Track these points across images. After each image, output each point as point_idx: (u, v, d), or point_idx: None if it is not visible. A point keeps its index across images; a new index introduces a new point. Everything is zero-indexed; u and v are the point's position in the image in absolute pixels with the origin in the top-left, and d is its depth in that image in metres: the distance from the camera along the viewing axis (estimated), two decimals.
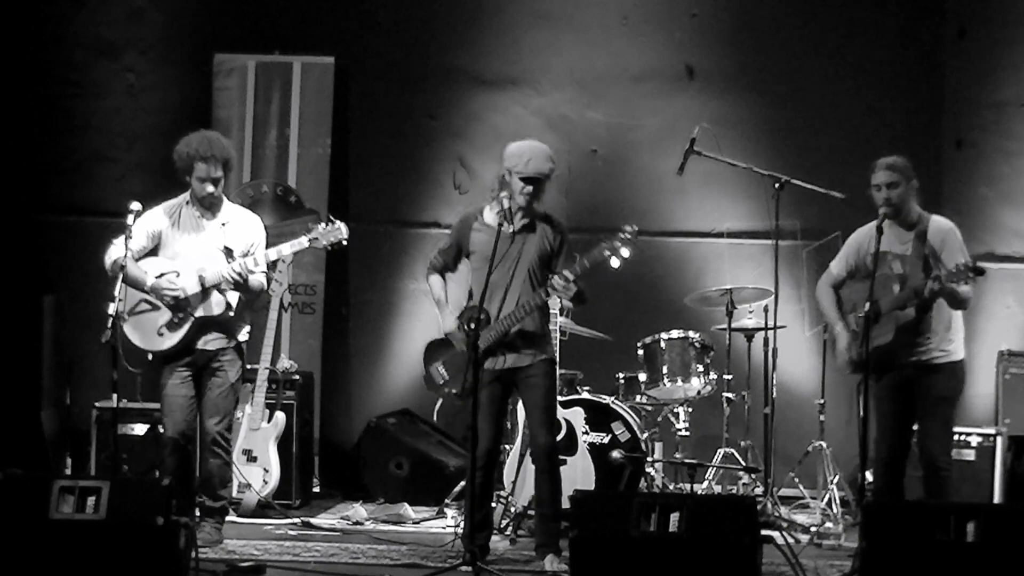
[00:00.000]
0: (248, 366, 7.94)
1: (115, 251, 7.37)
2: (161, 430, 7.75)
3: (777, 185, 8.47)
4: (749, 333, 8.92)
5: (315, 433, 9.54)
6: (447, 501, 8.73)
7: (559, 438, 8.21)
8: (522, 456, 8.07)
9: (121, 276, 7.12)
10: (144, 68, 10.05)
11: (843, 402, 8.97)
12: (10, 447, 9.14)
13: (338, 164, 9.93)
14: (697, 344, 8.78)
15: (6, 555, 6.14)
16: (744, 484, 8.80)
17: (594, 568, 6.18)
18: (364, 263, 10.00)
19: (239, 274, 7.36)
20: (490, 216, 7.26)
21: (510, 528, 8.00)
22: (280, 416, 8.81)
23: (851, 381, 7.97)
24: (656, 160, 9.58)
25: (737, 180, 9.26)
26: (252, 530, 8.07)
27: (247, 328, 7.61)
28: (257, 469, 8.64)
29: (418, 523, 8.48)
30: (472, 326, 7.07)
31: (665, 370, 8.74)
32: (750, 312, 8.91)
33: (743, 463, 8.76)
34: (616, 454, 8.38)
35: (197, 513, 7.54)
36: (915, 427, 7.31)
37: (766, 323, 8.71)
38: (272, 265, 7.95)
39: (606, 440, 8.44)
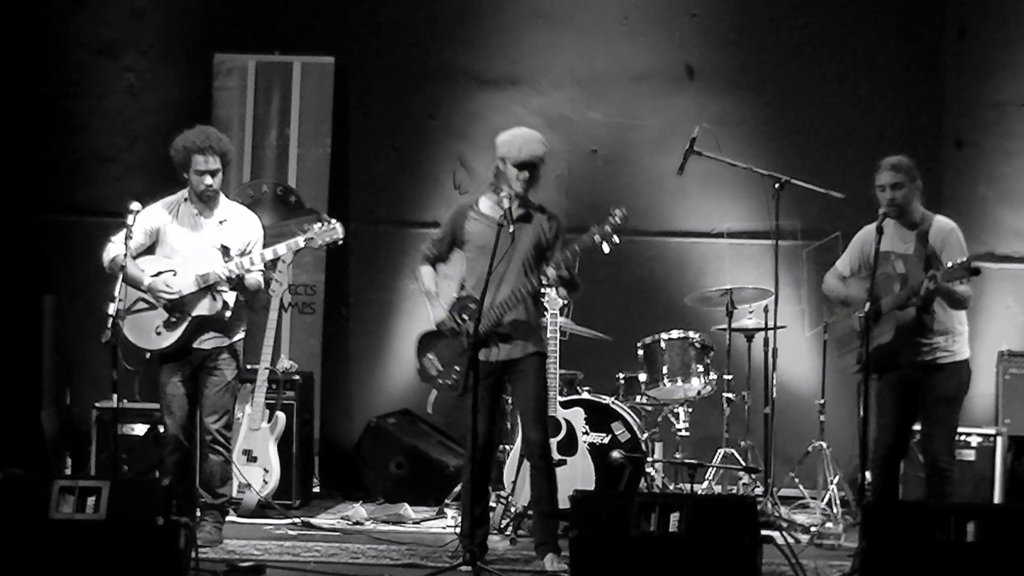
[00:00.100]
0: (248, 366, 7.95)
1: (113, 249, 7.37)
2: (161, 430, 7.76)
3: (777, 185, 8.47)
4: (749, 333, 8.92)
5: (315, 433, 9.54)
6: (447, 501, 8.73)
7: (559, 438, 8.23)
8: (522, 456, 8.07)
9: (121, 276, 7.12)
10: (144, 68, 10.05)
11: (843, 402, 8.96)
12: (10, 447, 9.14)
13: (338, 164, 9.93)
14: (697, 344, 8.79)
15: (6, 555, 6.14)
16: (744, 484, 8.80)
17: (594, 568, 6.18)
18: (364, 263, 10.00)
19: (236, 274, 7.36)
20: (486, 206, 7.26)
21: (510, 528, 8.00)
22: (280, 416, 8.80)
23: (851, 381, 7.98)
24: (656, 160, 9.58)
25: (737, 180, 9.26)
26: (252, 530, 8.08)
27: (244, 327, 7.61)
28: (257, 469, 8.64)
29: (418, 523, 8.49)
30: (465, 317, 7.07)
31: (665, 370, 8.75)
32: (750, 312, 8.91)
33: (743, 463, 8.76)
34: (616, 454, 8.38)
35: (198, 512, 7.55)
36: (917, 427, 7.32)
37: (766, 323, 8.72)
38: (271, 265, 7.95)
39: (606, 440, 8.44)
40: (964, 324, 7.25)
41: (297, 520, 8.39)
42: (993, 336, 9.37)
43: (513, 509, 8.09)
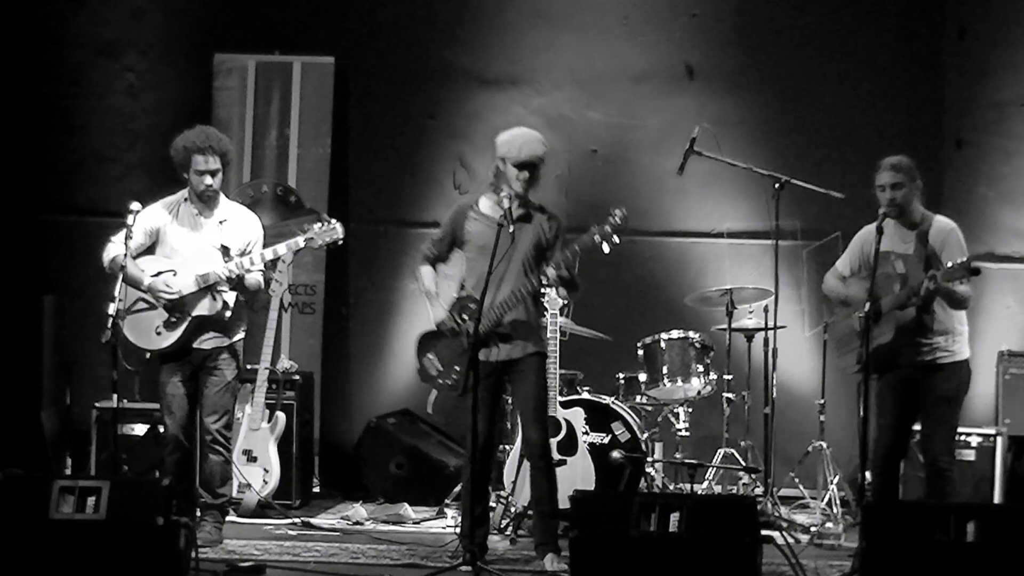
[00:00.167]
0: (248, 366, 7.94)
1: (113, 248, 7.37)
2: (161, 430, 7.75)
3: (777, 185, 8.47)
4: (749, 333, 8.91)
5: (315, 433, 9.53)
6: (447, 501, 8.73)
7: (559, 438, 8.23)
8: (522, 456, 8.06)
9: (121, 276, 7.12)
10: (144, 68, 10.05)
11: (843, 402, 8.96)
12: (10, 447, 9.14)
13: (338, 164, 9.92)
14: (697, 344, 8.79)
15: (6, 555, 6.14)
16: (744, 484, 8.80)
17: (594, 568, 6.18)
18: (364, 263, 10.00)
19: (236, 274, 7.36)
20: (486, 206, 7.26)
21: (510, 528, 8.00)
22: (280, 416, 8.80)
23: (851, 381, 7.98)
24: (656, 160, 9.58)
25: (737, 180, 9.26)
26: (252, 530, 8.08)
27: (244, 327, 7.61)
28: (257, 469, 8.64)
29: (418, 523, 8.49)
30: (465, 317, 7.07)
31: (665, 370, 8.74)
32: (750, 312, 8.91)
33: (743, 463, 8.76)
34: (616, 454, 8.38)
35: (198, 512, 7.55)
36: (917, 427, 7.32)
37: (766, 323, 8.71)
38: (271, 265, 7.95)
39: (606, 440, 8.44)
40: (964, 324, 7.24)
41: (297, 520, 8.38)
42: (993, 336, 9.37)
43: (513, 509, 8.09)
